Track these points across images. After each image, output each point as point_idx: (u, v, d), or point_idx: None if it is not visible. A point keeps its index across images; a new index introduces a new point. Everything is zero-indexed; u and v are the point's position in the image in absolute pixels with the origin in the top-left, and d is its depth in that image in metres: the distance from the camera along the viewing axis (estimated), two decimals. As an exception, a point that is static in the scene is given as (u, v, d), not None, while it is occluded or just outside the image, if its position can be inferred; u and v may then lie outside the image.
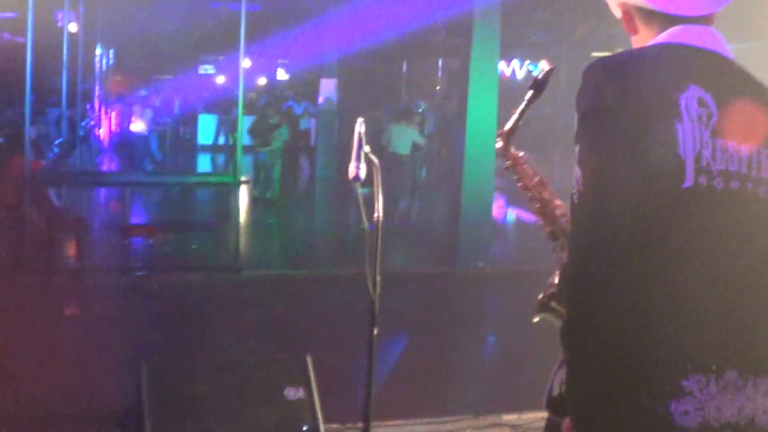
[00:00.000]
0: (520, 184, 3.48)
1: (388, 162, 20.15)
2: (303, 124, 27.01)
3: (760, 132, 2.72)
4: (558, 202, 3.42)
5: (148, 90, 30.19)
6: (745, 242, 2.66)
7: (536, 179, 3.47)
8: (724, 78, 2.76)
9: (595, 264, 2.57)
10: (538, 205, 3.44)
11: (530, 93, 3.44)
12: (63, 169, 17.26)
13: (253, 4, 21.38)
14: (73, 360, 8.53)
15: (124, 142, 24.01)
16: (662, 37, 2.83)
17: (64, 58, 18.66)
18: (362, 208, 4.21)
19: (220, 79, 37.79)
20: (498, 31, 14.31)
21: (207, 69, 39.98)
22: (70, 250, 12.88)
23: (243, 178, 13.98)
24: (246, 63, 17.68)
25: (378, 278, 4.46)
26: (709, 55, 2.79)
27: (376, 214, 4.28)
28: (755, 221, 2.69)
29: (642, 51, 2.85)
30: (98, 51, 27.31)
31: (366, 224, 4.01)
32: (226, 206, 14.78)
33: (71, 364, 8.43)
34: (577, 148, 2.69)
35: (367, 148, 3.87)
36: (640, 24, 2.93)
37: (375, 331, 4.60)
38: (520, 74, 32.54)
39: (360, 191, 4.17)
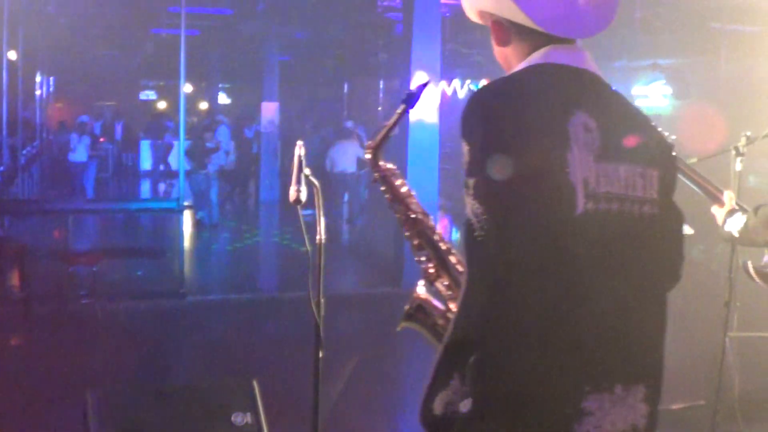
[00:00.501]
0: (388, 196, 3.51)
1: (337, 181, 20.25)
2: (254, 148, 26.94)
3: (634, 153, 2.80)
4: (429, 218, 3.46)
5: (90, 117, 30.04)
6: (628, 260, 2.75)
7: (404, 191, 3.51)
8: (602, 101, 2.85)
9: (505, 300, 2.61)
10: (404, 217, 3.46)
11: (402, 107, 3.44)
12: (4, 198, 17.14)
13: (192, 29, 21.34)
14: (18, 389, 8.48)
15: (63, 169, 23.85)
16: (539, 56, 2.87)
17: (4, 85, 18.54)
18: (304, 230, 4.23)
19: (162, 104, 37.74)
20: (438, 51, 14.38)
21: (148, 94, 39.89)
22: (14, 278, 12.78)
23: (186, 203, 13.94)
24: (187, 88, 17.66)
25: (322, 300, 4.48)
26: (588, 76, 2.87)
27: (318, 237, 4.31)
28: (636, 240, 2.77)
29: (528, 77, 2.84)
30: (38, 78, 27.14)
31: (308, 246, 4.03)
32: (170, 231, 14.74)
33: (17, 392, 8.37)
34: (472, 181, 2.66)
35: (307, 171, 3.90)
36: (514, 37, 2.95)
37: (320, 354, 4.61)
38: (462, 93, 32.66)
39: (301, 214, 4.19)
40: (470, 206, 2.65)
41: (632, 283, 2.77)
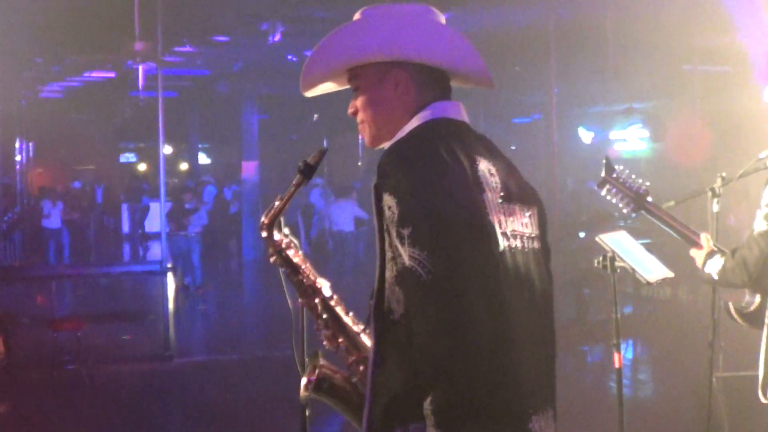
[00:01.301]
0: (286, 270, 3.59)
1: (335, 240, 20.24)
2: (233, 208, 26.91)
3: (521, 194, 3.07)
4: (319, 281, 3.56)
5: (69, 181, 30.05)
6: (533, 293, 3.00)
7: (297, 260, 3.58)
8: (489, 149, 3.10)
9: (461, 337, 2.71)
10: (301, 286, 3.57)
11: (298, 177, 3.47)
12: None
13: (170, 91, 21.44)
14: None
15: (43, 235, 23.78)
16: (427, 114, 3.05)
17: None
18: (285, 290, 4.24)
19: (142, 166, 37.79)
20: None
21: (128, 157, 39.94)
22: (-2, 346, 12.74)
23: (168, 265, 13.92)
24: (166, 149, 17.70)
25: (306, 359, 4.47)
26: (469, 128, 3.13)
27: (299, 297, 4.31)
28: (535, 270, 3.03)
29: (430, 131, 2.98)
30: (17, 144, 27.13)
31: (290, 306, 4.04)
32: (153, 294, 14.71)
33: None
34: (407, 231, 2.76)
35: (286, 230, 3.91)
36: (413, 88, 3.09)
37: (306, 413, 4.61)
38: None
39: (282, 273, 4.20)
40: (409, 254, 2.75)
41: (539, 314, 3.03)
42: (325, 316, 3.50)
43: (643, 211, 5.59)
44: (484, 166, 2.95)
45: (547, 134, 18.02)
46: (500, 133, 28.37)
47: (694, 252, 5.42)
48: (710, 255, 5.30)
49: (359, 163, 32.62)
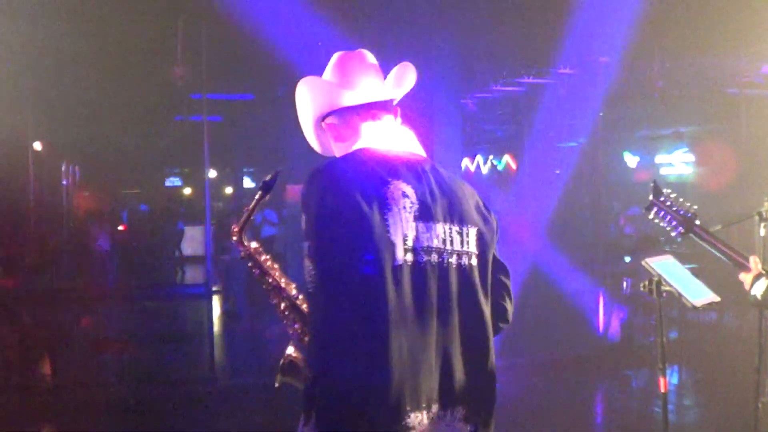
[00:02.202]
0: (256, 271, 4.05)
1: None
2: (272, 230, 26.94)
3: (450, 214, 3.44)
4: (292, 285, 4.02)
5: (115, 204, 30.23)
6: (450, 302, 3.36)
7: (268, 264, 4.04)
8: (418, 173, 3.47)
9: (334, 338, 3.21)
10: (270, 287, 4.02)
11: (259, 193, 3.96)
12: (34, 287, 17.22)
13: (214, 116, 21.52)
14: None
15: (89, 258, 23.83)
16: (361, 142, 3.60)
17: (31, 175, 18.72)
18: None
19: (187, 190, 37.95)
20: (459, 128, 14.45)
21: (174, 181, 40.11)
22: (45, 367, 12.82)
23: (214, 288, 13.98)
24: (211, 173, 17.78)
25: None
26: (404, 154, 3.56)
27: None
28: (454, 283, 3.39)
29: (354, 158, 3.51)
30: (63, 167, 27.35)
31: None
32: (198, 316, 14.76)
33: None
34: (306, 244, 3.27)
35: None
36: (342, 130, 3.71)
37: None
38: (485, 169, 32.72)
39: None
40: (306, 265, 3.27)
41: (452, 322, 3.38)
42: (288, 313, 3.94)
43: (691, 235, 5.57)
44: (398, 187, 3.34)
45: (592, 158, 17.95)
46: (544, 157, 28.31)
47: (742, 276, 5.39)
48: (758, 277, 5.26)
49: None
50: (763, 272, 5.27)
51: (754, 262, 5.33)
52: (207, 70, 14.27)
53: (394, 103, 3.80)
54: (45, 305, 15.37)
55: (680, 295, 5.72)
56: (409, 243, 3.29)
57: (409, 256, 3.28)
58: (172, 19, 13.58)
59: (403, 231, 3.28)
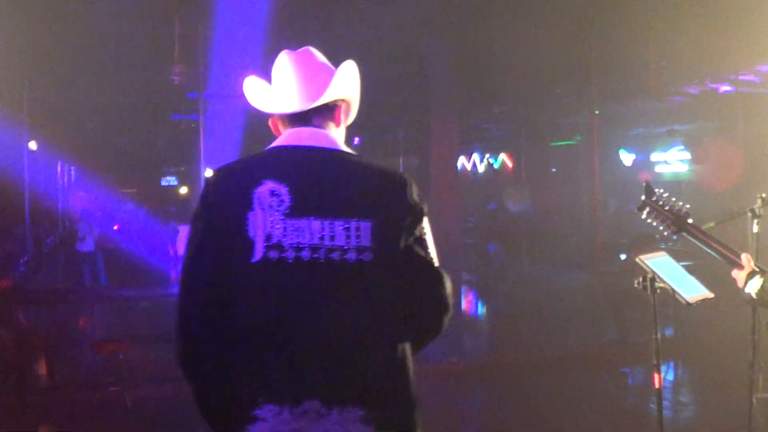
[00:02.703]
0: None
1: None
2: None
3: (333, 208, 3.38)
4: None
5: (111, 203, 30.15)
6: (325, 296, 3.33)
7: None
8: (305, 169, 3.48)
9: (187, 325, 3.41)
10: None
11: None
12: (30, 287, 17.21)
13: (210, 115, 21.52)
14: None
15: (79, 258, 23.67)
16: (275, 142, 3.64)
17: (26, 175, 18.71)
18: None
19: (183, 189, 37.94)
20: (456, 126, 14.45)
21: (169, 180, 40.12)
22: (41, 368, 12.81)
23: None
24: (207, 172, 17.78)
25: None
26: (301, 151, 3.56)
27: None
28: (331, 279, 3.34)
29: (246, 159, 3.62)
30: (59, 168, 27.34)
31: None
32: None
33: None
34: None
35: None
36: (274, 129, 3.77)
37: None
38: (481, 167, 32.78)
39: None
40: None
41: (330, 317, 3.34)
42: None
43: (684, 233, 5.58)
44: (268, 186, 3.39)
45: (587, 156, 17.98)
46: (540, 155, 28.34)
47: (735, 273, 5.41)
48: (751, 275, 5.28)
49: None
50: (756, 269, 5.29)
51: (747, 260, 5.35)
52: (204, 69, 14.28)
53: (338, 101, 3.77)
54: (39, 305, 15.33)
55: (674, 291, 5.74)
56: (274, 241, 3.33)
57: (274, 254, 3.32)
58: (169, 18, 13.58)
59: (267, 229, 3.34)
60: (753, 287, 5.22)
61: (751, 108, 17.92)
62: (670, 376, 12.65)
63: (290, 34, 13.37)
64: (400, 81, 16.89)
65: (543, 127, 26.04)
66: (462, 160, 31.22)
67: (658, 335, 6.03)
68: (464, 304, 20.35)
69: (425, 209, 3.57)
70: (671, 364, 13.13)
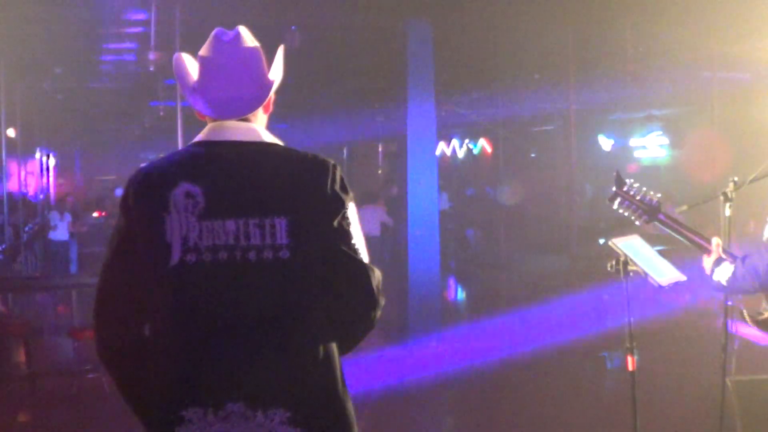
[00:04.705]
0: None
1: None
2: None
3: (249, 208, 3.31)
4: None
5: (90, 191, 30.13)
6: (245, 298, 3.28)
7: None
8: (221, 169, 3.39)
9: (104, 325, 3.43)
10: None
11: None
12: (8, 275, 17.16)
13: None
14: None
15: (50, 247, 23.48)
16: (198, 136, 3.54)
17: (4, 163, 18.64)
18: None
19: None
20: (433, 113, 14.43)
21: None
22: (19, 355, 12.80)
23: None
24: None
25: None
26: (221, 147, 3.45)
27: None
28: (250, 280, 3.29)
29: (166, 158, 3.55)
30: (38, 155, 27.25)
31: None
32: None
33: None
34: None
35: None
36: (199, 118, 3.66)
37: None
38: (461, 153, 32.78)
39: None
40: None
41: (250, 319, 3.29)
42: None
43: (655, 222, 5.61)
44: (184, 189, 3.33)
45: (566, 142, 18.01)
46: (520, 141, 28.37)
47: (704, 259, 5.44)
48: (718, 262, 5.31)
49: (379, 171, 32.69)
50: (723, 256, 5.32)
51: (716, 245, 5.38)
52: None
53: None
54: (17, 292, 15.30)
55: (646, 274, 5.77)
56: (191, 243, 3.29)
57: (191, 257, 3.28)
58: (146, 3, 13.53)
59: (182, 233, 3.30)
60: (723, 274, 5.25)
61: (727, 92, 17.98)
62: (648, 360, 12.69)
63: (268, 18, 13.36)
64: (378, 66, 16.87)
65: (522, 112, 26.06)
66: (442, 146, 31.21)
67: (632, 318, 6.07)
68: (445, 290, 20.43)
69: (348, 199, 3.46)
70: (647, 347, 13.17)
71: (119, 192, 24.15)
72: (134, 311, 3.39)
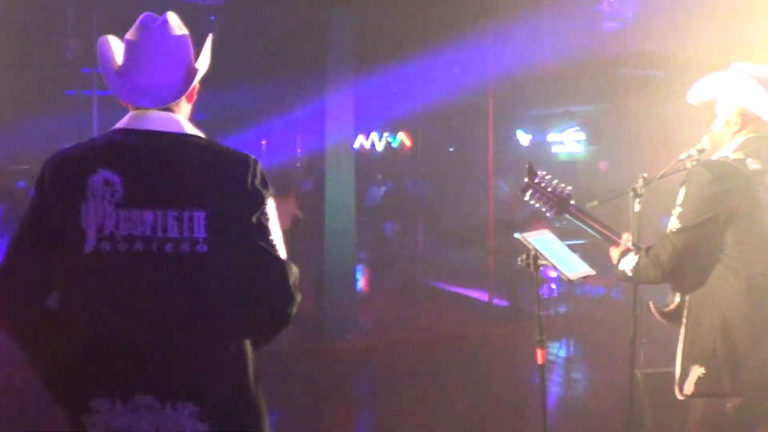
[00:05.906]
0: None
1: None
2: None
3: (168, 199, 3.30)
4: None
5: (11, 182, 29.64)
6: (159, 290, 3.27)
7: None
8: (141, 158, 3.37)
9: (5, 296, 3.38)
10: None
11: None
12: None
13: (106, 90, 21.26)
14: None
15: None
16: (118, 123, 3.50)
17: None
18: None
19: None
20: (351, 108, 14.40)
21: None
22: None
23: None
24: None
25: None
26: (142, 137, 3.42)
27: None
28: (165, 272, 3.27)
29: (86, 144, 3.48)
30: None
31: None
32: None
33: None
34: None
35: None
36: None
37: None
38: (380, 146, 32.79)
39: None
40: None
41: (168, 312, 3.28)
42: None
43: (565, 214, 5.67)
44: (102, 176, 3.29)
45: (483, 136, 18.07)
46: (438, 135, 28.44)
47: (612, 250, 5.52)
48: (624, 253, 5.39)
49: (297, 164, 32.59)
50: (632, 248, 5.40)
51: (627, 239, 5.47)
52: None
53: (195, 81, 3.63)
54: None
55: (555, 268, 5.84)
56: (107, 232, 3.25)
57: (106, 245, 3.25)
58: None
59: (98, 220, 3.25)
60: (628, 264, 5.33)
61: (643, 89, 18.19)
62: (563, 353, 12.82)
63: (190, 8, 13.27)
64: (297, 57, 16.81)
65: (442, 106, 26.12)
66: (360, 139, 31.21)
67: (541, 312, 6.14)
68: (361, 282, 20.44)
69: (268, 194, 3.49)
70: (564, 340, 13.31)
71: (21, 185, 23.79)
72: (38, 285, 3.35)
